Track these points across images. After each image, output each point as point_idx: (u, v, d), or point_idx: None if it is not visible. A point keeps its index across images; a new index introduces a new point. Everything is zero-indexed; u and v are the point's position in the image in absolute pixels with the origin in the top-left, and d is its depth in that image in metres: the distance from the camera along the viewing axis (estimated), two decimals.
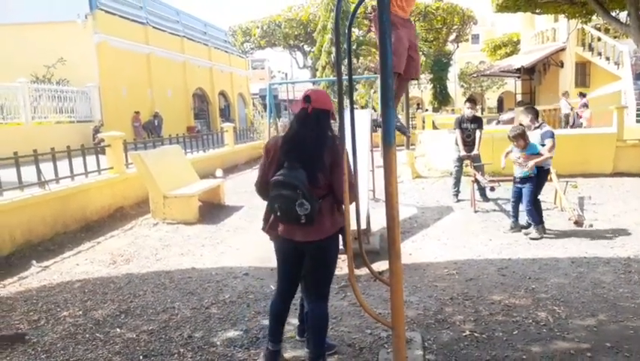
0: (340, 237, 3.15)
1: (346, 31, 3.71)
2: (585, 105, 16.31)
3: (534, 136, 6.37)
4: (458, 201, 8.35)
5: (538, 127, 6.50)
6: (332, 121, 3.11)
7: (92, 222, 7.67)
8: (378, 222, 6.80)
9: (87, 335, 3.93)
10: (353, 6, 19.80)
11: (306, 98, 3.00)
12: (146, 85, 22.30)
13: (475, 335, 3.68)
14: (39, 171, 6.95)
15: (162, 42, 24.35)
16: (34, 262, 5.91)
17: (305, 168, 2.89)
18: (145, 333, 3.93)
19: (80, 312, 4.41)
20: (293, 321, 3.82)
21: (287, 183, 2.87)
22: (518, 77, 26.23)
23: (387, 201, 2.99)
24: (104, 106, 19.26)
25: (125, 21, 21.72)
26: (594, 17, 13.19)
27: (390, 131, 2.87)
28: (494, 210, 7.67)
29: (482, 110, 37.76)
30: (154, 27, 24.05)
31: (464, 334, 3.70)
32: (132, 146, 10.56)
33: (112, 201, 8.34)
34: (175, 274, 5.35)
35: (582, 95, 17.42)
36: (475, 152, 8.14)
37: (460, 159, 8.31)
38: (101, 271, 5.63)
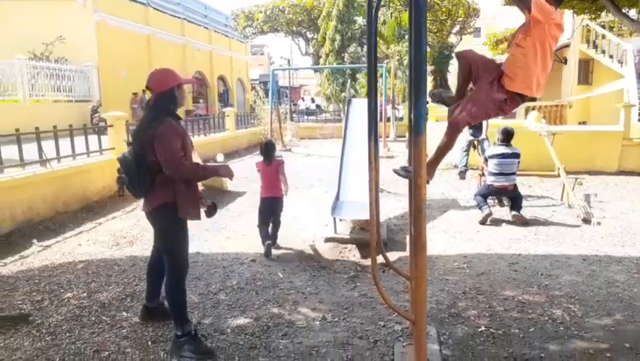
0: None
1: (367, 15, 3.59)
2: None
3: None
4: (463, 175, 8.55)
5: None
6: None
7: (92, 203, 7.55)
8: (384, 212, 6.73)
9: (93, 318, 3.84)
10: None
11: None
12: (145, 66, 21.90)
13: (491, 330, 3.61)
14: (40, 149, 6.80)
15: (162, 24, 23.97)
16: (35, 241, 5.79)
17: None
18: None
19: (85, 294, 4.31)
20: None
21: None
22: None
23: (415, 192, 2.90)
24: (102, 86, 18.97)
25: (126, 1, 21.35)
26: (602, 14, 13.06)
27: (421, 120, 2.77)
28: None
29: None
30: (155, 8, 23.66)
31: (480, 329, 3.63)
32: (133, 127, 10.39)
33: (113, 181, 8.18)
34: None
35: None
36: (482, 136, 8.26)
37: (469, 143, 8.52)
38: (104, 252, 5.52)
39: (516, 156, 6.70)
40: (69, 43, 18.19)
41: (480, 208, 6.75)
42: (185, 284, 3.40)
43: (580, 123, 17.85)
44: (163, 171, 3.17)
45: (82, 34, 18.58)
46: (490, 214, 6.60)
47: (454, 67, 37.36)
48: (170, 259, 3.34)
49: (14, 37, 17.46)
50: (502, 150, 6.71)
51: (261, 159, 5.77)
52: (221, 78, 31.82)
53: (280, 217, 5.73)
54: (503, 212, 7.05)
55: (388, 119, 17.73)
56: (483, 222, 6.59)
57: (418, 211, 2.91)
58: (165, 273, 3.38)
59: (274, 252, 5.57)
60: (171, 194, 3.21)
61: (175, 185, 3.21)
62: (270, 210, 5.59)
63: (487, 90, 2.93)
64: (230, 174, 3.49)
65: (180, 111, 3.64)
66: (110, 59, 19.42)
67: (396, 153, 13.65)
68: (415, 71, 2.67)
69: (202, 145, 11.80)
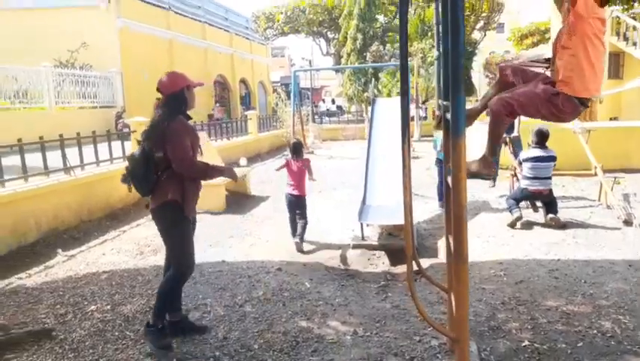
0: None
1: (399, 8, 3.40)
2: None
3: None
4: (494, 183, 8.29)
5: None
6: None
7: (117, 210, 7.50)
8: (413, 217, 6.50)
9: (116, 333, 3.71)
10: None
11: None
12: (167, 71, 21.97)
13: (535, 345, 3.37)
14: (64, 157, 6.77)
15: (184, 28, 24.10)
16: (59, 250, 5.74)
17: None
18: None
19: (108, 306, 4.20)
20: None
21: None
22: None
23: (455, 198, 2.69)
24: (126, 92, 19.13)
25: (148, 6, 21.47)
26: (635, 3, 12.58)
27: (460, 121, 2.56)
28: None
29: None
30: (176, 12, 23.80)
31: (523, 344, 3.39)
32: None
33: None
34: (205, 268, 5.10)
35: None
36: (514, 133, 8.02)
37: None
38: (128, 262, 5.43)
39: (552, 159, 6.39)
40: (92, 50, 18.38)
41: (510, 211, 6.46)
42: (183, 284, 3.51)
43: (611, 119, 17.25)
44: (168, 169, 3.23)
45: (105, 41, 18.76)
46: (520, 218, 6.30)
47: (477, 64, 36.79)
48: (175, 257, 3.38)
49: (40, 45, 17.70)
50: (538, 152, 6.40)
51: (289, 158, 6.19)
52: (243, 81, 31.86)
53: (306, 213, 6.11)
54: (538, 215, 6.74)
55: (412, 119, 17.45)
56: (512, 225, 6.30)
57: (459, 219, 2.70)
58: (171, 267, 3.40)
59: (299, 259, 5.43)
60: (176, 192, 3.23)
61: (183, 183, 3.26)
62: (294, 205, 6.05)
63: (536, 82, 2.72)
64: (234, 176, 3.65)
65: (202, 115, 3.64)
66: (133, 65, 19.57)
67: (421, 153, 13.38)
68: (452, 66, 2.46)
69: (225, 149, 11.72)
